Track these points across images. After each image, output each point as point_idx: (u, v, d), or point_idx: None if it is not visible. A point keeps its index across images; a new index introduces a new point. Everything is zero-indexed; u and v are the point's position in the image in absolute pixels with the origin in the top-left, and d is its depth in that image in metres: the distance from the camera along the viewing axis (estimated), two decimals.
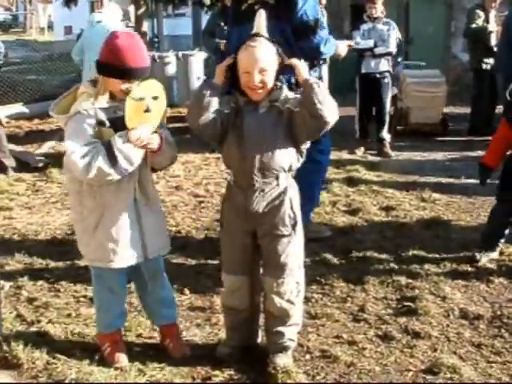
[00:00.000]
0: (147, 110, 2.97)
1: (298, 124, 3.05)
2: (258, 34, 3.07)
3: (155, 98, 3.00)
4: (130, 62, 2.94)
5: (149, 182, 3.19)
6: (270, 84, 3.06)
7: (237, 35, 4.30)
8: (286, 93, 3.13)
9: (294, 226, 3.16)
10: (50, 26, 35.56)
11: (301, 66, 3.05)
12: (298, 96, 3.07)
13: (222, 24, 7.55)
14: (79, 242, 3.27)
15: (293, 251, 3.17)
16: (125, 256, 3.12)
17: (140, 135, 2.95)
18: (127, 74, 2.96)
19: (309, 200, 4.60)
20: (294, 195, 3.18)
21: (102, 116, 2.99)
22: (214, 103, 3.07)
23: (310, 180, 4.49)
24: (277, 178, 3.12)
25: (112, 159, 2.91)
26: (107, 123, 3.00)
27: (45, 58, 18.16)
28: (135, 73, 2.97)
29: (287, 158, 3.10)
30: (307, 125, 3.02)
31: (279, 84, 3.11)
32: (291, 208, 3.15)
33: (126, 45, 2.95)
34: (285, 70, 3.12)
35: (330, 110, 2.97)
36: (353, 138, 8.43)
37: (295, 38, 4.41)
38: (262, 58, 3.01)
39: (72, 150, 2.93)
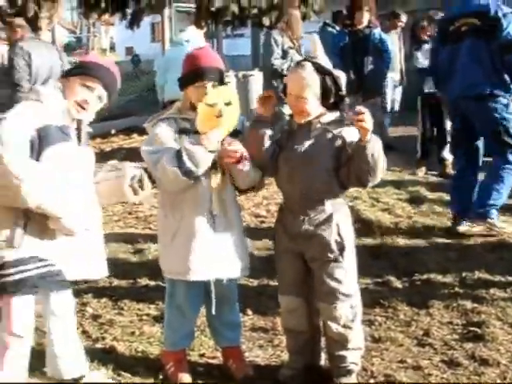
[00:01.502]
0: (219, 115, 3.01)
1: (347, 169, 3.06)
2: (306, 59, 3.13)
3: (228, 103, 3.04)
4: (201, 62, 3.08)
5: (228, 198, 3.19)
6: (311, 110, 3.08)
7: (446, 54, 5.54)
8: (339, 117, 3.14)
9: (341, 252, 3.13)
10: (112, 47, 36.48)
11: (365, 124, 2.90)
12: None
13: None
14: (159, 253, 3.37)
15: (342, 276, 3.14)
16: (198, 270, 3.13)
17: (211, 138, 3.00)
18: (199, 74, 3.06)
19: (493, 195, 5.44)
20: (341, 220, 3.16)
21: (184, 125, 3.13)
22: (267, 138, 3.15)
23: (500, 177, 5.42)
24: (322, 202, 3.12)
25: (178, 158, 2.98)
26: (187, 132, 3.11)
27: None
28: (207, 72, 3.07)
29: (334, 183, 3.11)
30: (353, 177, 3.06)
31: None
32: (338, 233, 3.13)
33: (198, 51, 3.17)
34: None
35: (378, 170, 2.99)
36: (414, 158, 8.31)
37: (501, 53, 5.23)
38: (300, 84, 3.04)
39: (144, 147, 3.12)
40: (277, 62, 7.35)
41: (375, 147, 2.95)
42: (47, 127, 2.85)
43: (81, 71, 3.02)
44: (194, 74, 3.10)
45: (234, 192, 3.26)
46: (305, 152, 3.10)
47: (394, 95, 9.56)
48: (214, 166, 3.09)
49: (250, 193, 3.30)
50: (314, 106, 3.07)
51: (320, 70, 3.07)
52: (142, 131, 11.00)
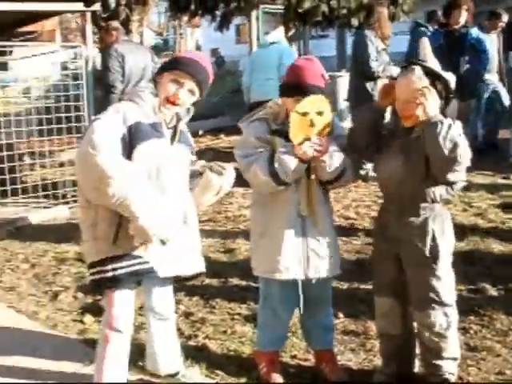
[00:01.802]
0: (311, 125, 3.01)
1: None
2: (415, 62, 3.06)
3: (320, 113, 3.04)
4: (305, 78, 3.06)
5: (319, 200, 3.18)
6: (418, 113, 3.00)
7: None
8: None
9: (435, 258, 3.06)
10: (198, 49, 37.01)
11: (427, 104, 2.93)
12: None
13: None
14: (250, 251, 3.42)
15: (435, 284, 3.08)
16: (285, 269, 3.15)
17: (304, 149, 3.01)
18: (301, 90, 3.04)
19: None
20: (438, 226, 3.09)
21: (276, 127, 3.15)
22: (371, 126, 3.14)
23: None
24: (417, 207, 3.06)
25: (271, 166, 3.02)
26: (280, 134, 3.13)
27: None
28: (309, 89, 3.04)
29: (430, 188, 3.04)
30: (431, 164, 2.97)
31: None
32: (433, 239, 3.06)
33: (305, 64, 3.12)
34: None
35: (455, 154, 2.87)
36: (507, 162, 8.05)
37: None
38: (407, 89, 3.00)
39: (237, 151, 3.19)
40: (374, 64, 7.22)
41: (450, 130, 2.87)
42: (139, 124, 2.89)
43: (172, 66, 3.03)
44: (295, 88, 3.08)
45: (325, 194, 3.25)
46: (404, 154, 3.06)
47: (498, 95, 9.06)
48: (307, 171, 3.11)
49: (335, 185, 3.25)
50: (422, 111, 3.01)
51: (430, 73, 3.01)
52: (228, 132, 11.23)
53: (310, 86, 3.05)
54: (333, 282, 3.49)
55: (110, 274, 2.92)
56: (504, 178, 7.72)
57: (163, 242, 2.94)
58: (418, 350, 3.31)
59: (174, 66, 3.03)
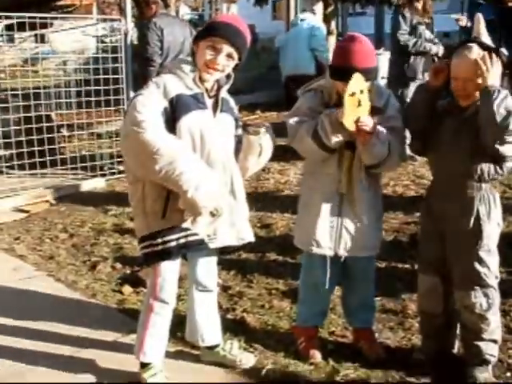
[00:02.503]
0: (359, 105, 2.98)
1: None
2: (472, 40, 3.01)
3: (361, 91, 3.00)
4: (355, 61, 2.98)
5: (361, 179, 3.14)
6: (474, 91, 2.97)
7: None
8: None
9: (479, 238, 3.03)
10: None
11: (489, 68, 2.87)
12: None
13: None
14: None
15: (478, 265, 3.05)
16: (317, 242, 3.16)
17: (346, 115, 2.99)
18: (351, 73, 2.96)
19: None
20: (484, 206, 3.05)
21: (329, 100, 3.15)
22: (426, 108, 3.10)
23: None
24: (465, 186, 3.03)
25: (315, 128, 3.04)
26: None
27: None
28: (356, 73, 2.97)
29: (478, 166, 2.99)
30: (483, 137, 2.92)
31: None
32: (477, 219, 3.03)
33: (350, 46, 3.03)
34: None
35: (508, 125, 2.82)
36: None
37: None
38: (465, 66, 2.94)
39: (287, 118, 3.20)
40: (402, 37, 7.16)
41: (507, 99, 2.84)
42: (180, 96, 2.87)
43: (206, 33, 2.96)
44: (345, 72, 2.99)
45: (371, 175, 3.20)
46: (456, 133, 3.03)
47: None
48: (348, 147, 3.09)
49: (378, 170, 3.20)
50: (477, 88, 2.96)
51: (486, 49, 2.95)
52: (264, 107, 11.17)
53: (361, 70, 2.97)
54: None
55: (160, 247, 2.95)
56: None
57: (213, 214, 2.95)
58: (458, 331, 3.29)
59: (209, 32, 2.95)
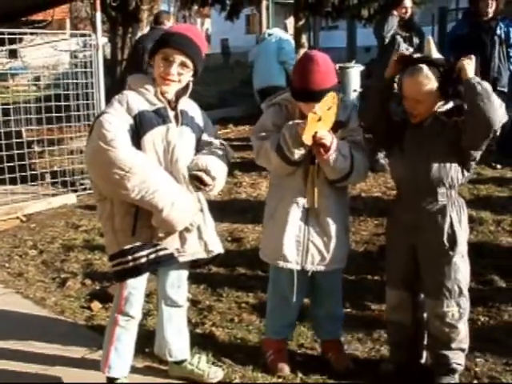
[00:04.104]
0: (319, 120, 3.00)
1: (463, 132, 2.97)
2: (421, 60, 3.05)
3: (328, 108, 3.01)
4: (314, 85, 2.99)
5: (326, 192, 3.15)
6: (425, 111, 3.04)
7: None
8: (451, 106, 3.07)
9: (453, 246, 3.06)
10: (208, 40, 36.96)
11: (467, 65, 2.93)
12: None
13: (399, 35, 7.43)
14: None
15: (452, 272, 3.07)
16: (284, 257, 3.16)
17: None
18: (311, 97, 2.99)
19: None
20: (455, 213, 3.08)
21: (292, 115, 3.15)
22: (382, 98, 3.14)
23: None
24: (435, 193, 3.05)
25: (278, 142, 3.03)
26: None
27: (203, 70, 18.85)
28: (318, 96, 2.99)
29: (447, 173, 3.02)
30: (472, 131, 2.92)
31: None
32: (450, 226, 3.05)
33: (308, 68, 3.01)
34: None
35: (496, 112, 2.86)
36: None
37: None
38: (418, 89, 2.99)
39: (252, 134, 3.19)
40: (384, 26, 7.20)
41: (480, 81, 2.90)
42: (143, 113, 2.87)
43: (159, 46, 2.96)
44: (304, 95, 3.03)
45: (336, 188, 3.20)
46: (418, 143, 3.06)
47: None
48: (314, 162, 3.10)
49: (341, 184, 3.19)
50: (430, 106, 3.03)
51: (434, 64, 3.01)
52: (237, 122, 11.20)
53: (319, 92, 2.99)
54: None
55: (130, 264, 2.94)
56: None
57: (188, 230, 2.95)
58: (425, 341, 3.31)
59: (161, 44, 2.95)
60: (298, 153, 3.01)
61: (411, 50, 7.14)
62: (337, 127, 3.08)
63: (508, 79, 7.43)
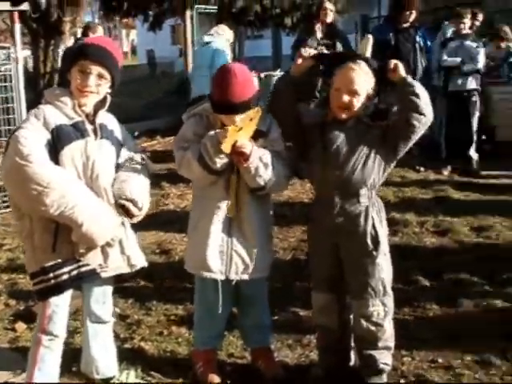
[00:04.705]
0: (239, 130, 3.00)
1: (393, 133, 3.03)
2: (359, 57, 3.11)
3: (250, 119, 3.02)
4: (233, 97, 2.97)
5: (249, 201, 3.14)
6: (357, 107, 3.07)
7: None
8: (373, 109, 3.13)
9: (376, 246, 3.11)
10: (134, 51, 36.66)
11: (399, 65, 3.02)
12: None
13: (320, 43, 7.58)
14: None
15: (376, 271, 3.12)
16: (208, 267, 3.13)
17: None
18: (230, 109, 2.99)
19: None
20: (376, 214, 3.14)
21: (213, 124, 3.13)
22: (291, 94, 3.16)
23: None
24: (357, 194, 3.10)
25: (200, 152, 3.01)
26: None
27: (128, 81, 18.67)
28: (238, 108, 2.99)
29: (369, 175, 3.08)
30: (407, 128, 2.99)
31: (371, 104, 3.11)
32: (373, 227, 3.11)
33: (226, 81, 2.99)
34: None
35: (428, 107, 2.97)
36: (439, 157, 8.23)
37: None
38: (357, 80, 3.03)
39: (174, 146, 3.17)
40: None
41: (414, 81, 3.00)
42: (61, 127, 2.83)
43: (75, 58, 2.93)
44: (224, 107, 3.02)
45: (259, 197, 3.19)
46: (340, 144, 3.09)
47: None
48: (233, 170, 3.10)
49: (263, 192, 3.17)
50: (361, 102, 3.07)
51: (371, 66, 3.07)
52: (164, 133, 11.14)
53: (239, 104, 2.98)
54: (266, 280, 3.45)
55: (52, 282, 2.87)
56: (436, 172, 7.90)
57: (109, 245, 2.91)
58: (353, 343, 3.35)
59: (77, 56, 2.92)
60: (219, 162, 3.00)
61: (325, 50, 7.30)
62: (257, 136, 3.08)
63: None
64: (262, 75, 10.70)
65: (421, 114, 2.96)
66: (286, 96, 3.17)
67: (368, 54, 3.16)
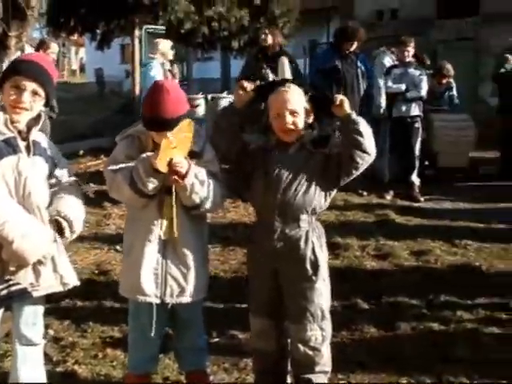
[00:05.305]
0: (174, 147, 2.97)
1: (338, 164, 3.06)
2: (287, 81, 3.14)
3: (184, 136, 2.99)
4: (162, 113, 2.93)
5: (184, 223, 3.07)
6: (301, 126, 3.10)
7: None
8: (315, 136, 3.16)
9: (315, 271, 3.11)
10: (82, 69, 36.32)
11: (345, 101, 3.05)
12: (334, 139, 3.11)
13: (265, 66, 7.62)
14: None
15: (314, 297, 3.11)
16: (146, 292, 3.06)
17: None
18: (160, 125, 2.95)
19: None
20: (316, 239, 3.14)
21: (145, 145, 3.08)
22: (235, 123, 3.18)
23: None
24: (298, 219, 3.10)
25: (131, 175, 2.95)
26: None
27: (76, 99, 18.47)
28: (168, 124, 2.93)
29: (311, 200, 3.09)
30: (351, 162, 3.02)
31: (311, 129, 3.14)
32: (313, 252, 3.11)
33: (156, 98, 2.95)
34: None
35: (372, 145, 3.01)
36: (382, 181, 8.36)
37: None
38: (293, 100, 3.08)
39: (105, 167, 3.08)
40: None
41: (359, 119, 3.02)
42: None
43: (9, 74, 2.88)
44: (155, 124, 2.97)
45: (194, 218, 3.15)
46: (282, 168, 3.10)
47: None
48: (168, 192, 3.04)
49: (199, 212, 3.11)
50: (302, 122, 3.10)
51: (302, 87, 3.12)
52: (108, 152, 10.95)
53: (170, 120, 2.94)
54: (203, 303, 3.39)
55: None
56: (379, 196, 8.00)
57: (41, 263, 2.83)
58: (290, 367, 3.33)
59: (11, 72, 2.88)
60: (151, 186, 2.95)
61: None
62: (191, 157, 3.05)
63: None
64: (209, 97, 10.72)
65: (364, 152, 3.00)
66: (228, 128, 3.18)
67: (288, 74, 3.22)
